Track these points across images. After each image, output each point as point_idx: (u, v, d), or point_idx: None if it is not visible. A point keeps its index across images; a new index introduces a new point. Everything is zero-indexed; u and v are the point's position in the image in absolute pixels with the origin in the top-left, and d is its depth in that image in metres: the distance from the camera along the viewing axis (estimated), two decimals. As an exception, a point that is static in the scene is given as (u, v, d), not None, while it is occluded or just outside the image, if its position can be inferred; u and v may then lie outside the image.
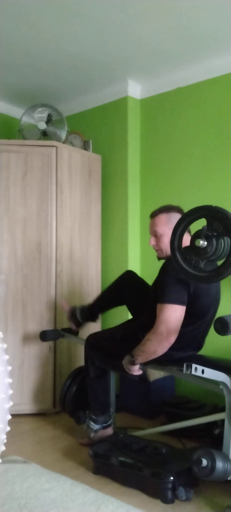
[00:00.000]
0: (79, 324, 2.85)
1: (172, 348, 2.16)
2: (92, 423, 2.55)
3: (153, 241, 2.34)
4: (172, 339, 2.10)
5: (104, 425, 2.56)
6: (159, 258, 2.38)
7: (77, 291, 3.39)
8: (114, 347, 2.45)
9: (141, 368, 2.25)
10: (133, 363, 2.23)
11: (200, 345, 2.40)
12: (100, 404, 2.57)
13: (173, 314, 2.09)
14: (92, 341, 2.60)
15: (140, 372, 2.26)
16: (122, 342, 2.42)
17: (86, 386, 2.61)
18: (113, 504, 1.92)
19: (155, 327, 2.13)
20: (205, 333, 2.38)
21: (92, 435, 2.54)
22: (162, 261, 2.33)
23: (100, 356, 2.53)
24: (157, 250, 2.36)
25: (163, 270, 2.24)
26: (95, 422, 2.55)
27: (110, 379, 2.65)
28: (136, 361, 2.22)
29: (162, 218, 2.32)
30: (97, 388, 2.57)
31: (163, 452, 2.17)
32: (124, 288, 2.66)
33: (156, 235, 2.33)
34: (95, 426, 2.54)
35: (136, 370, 2.24)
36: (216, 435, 2.47)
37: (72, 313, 2.83)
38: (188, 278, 1.91)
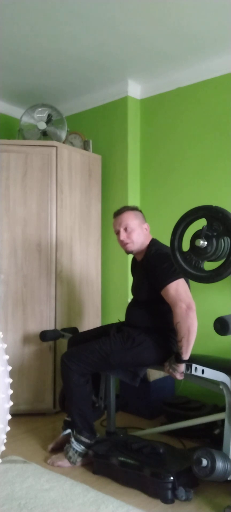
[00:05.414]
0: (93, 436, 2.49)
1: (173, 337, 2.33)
2: (76, 443, 2.38)
3: (124, 235, 2.46)
4: (193, 304, 2.21)
5: (89, 442, 2.38)
6: (129, 252, 2.51)
7: (77, 291, 3.39)
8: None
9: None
10: (180, 361, 2.14)
11: None
12: (86, 421, 2.43)
13: (181, 287, 2.23)
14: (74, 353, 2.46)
15: (182, 370, 2.16)
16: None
17: (69, 407, 2.48)
18: (114, 504, 1.92)
19: (175, 310, 2.20)
20: None
21: (75, 457, 2.36)
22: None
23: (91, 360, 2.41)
24: (127, 244, 2.47)
25: (152, 260, 2.37)
26: (81, 442, 2.37)
27: (110, 379, 2.65)
28: (184, 356, 2.14)
29: (131, 214, 2.48)
30: (81, 403, 2.43)
31: (161, 452, 2.17)
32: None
33: (127, 229, 2.46)
34: (80, 447, 2.37)
35: (182, 370, 2.14)
36: (216, 435, 2.47)
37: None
38: (188, 278, 1.91)
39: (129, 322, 2.53)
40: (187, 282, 2.35)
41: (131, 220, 2.46)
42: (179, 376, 2.16)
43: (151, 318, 2.42)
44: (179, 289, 2.22)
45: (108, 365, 2.40)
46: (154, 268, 2.34)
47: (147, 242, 2.48)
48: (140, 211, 2.57)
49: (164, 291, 2.25)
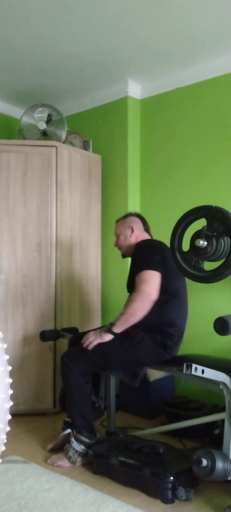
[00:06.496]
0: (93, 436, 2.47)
1: (167, 337, 2.36)
2: (76, 443, 2.37)
3: (114, 242, 2.71)
4: (153, 296, 2.29)
5: (89, 442, 2.38)
6: (123, 256, 2.71)
7: (77, 291, 3.39)
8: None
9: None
10: (109, 331, 2.33)
11: (181, 333, 2.47)
12: (86, 421, 2.43)
13: (151, 277, 2.31)
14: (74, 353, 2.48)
15: (109, 338, 2.34)
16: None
17: (69, 407, 2.48)
18: (114, 504, 1.92)
19: (137, 289, 2.31)
20: (183, 320, 2.48)
21: (75, 457, 2.36)
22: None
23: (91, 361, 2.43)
24: (119, 249, 2.70)
25: (133, 253, 2.50)
26: (81, 442, 2.37)
27: (110, 379, 2.65)
28: (115, 328, 2.32)
29: (119, 222, 2.72)
30: (81, 403, 2.43)
31: (161, 452, 2.17)
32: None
33: (116, 236, 2.71)
34: (80, 447, 2.37)
35: (106, 340, 2.34)
36: (216, 435, 2.47)
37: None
38: (188, 278, 1.91)
39: None
40: (185, 280, 2.37)
41: (117, 228, 2.69)
42: (96, 341, 2.32)
43: None
44: (152, 279, 2.30)
45: (108, 365, 2.40)
46: (136, 256, 2.45)
47: (138, 240, 2.57)
48: (136, 215, 2.68)
49: (138, 275, 2.33)
